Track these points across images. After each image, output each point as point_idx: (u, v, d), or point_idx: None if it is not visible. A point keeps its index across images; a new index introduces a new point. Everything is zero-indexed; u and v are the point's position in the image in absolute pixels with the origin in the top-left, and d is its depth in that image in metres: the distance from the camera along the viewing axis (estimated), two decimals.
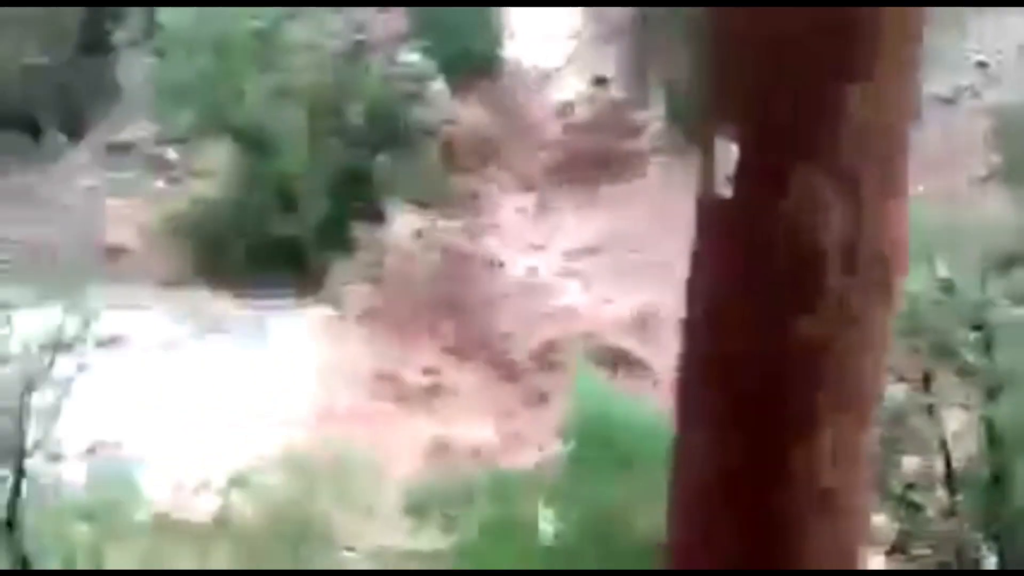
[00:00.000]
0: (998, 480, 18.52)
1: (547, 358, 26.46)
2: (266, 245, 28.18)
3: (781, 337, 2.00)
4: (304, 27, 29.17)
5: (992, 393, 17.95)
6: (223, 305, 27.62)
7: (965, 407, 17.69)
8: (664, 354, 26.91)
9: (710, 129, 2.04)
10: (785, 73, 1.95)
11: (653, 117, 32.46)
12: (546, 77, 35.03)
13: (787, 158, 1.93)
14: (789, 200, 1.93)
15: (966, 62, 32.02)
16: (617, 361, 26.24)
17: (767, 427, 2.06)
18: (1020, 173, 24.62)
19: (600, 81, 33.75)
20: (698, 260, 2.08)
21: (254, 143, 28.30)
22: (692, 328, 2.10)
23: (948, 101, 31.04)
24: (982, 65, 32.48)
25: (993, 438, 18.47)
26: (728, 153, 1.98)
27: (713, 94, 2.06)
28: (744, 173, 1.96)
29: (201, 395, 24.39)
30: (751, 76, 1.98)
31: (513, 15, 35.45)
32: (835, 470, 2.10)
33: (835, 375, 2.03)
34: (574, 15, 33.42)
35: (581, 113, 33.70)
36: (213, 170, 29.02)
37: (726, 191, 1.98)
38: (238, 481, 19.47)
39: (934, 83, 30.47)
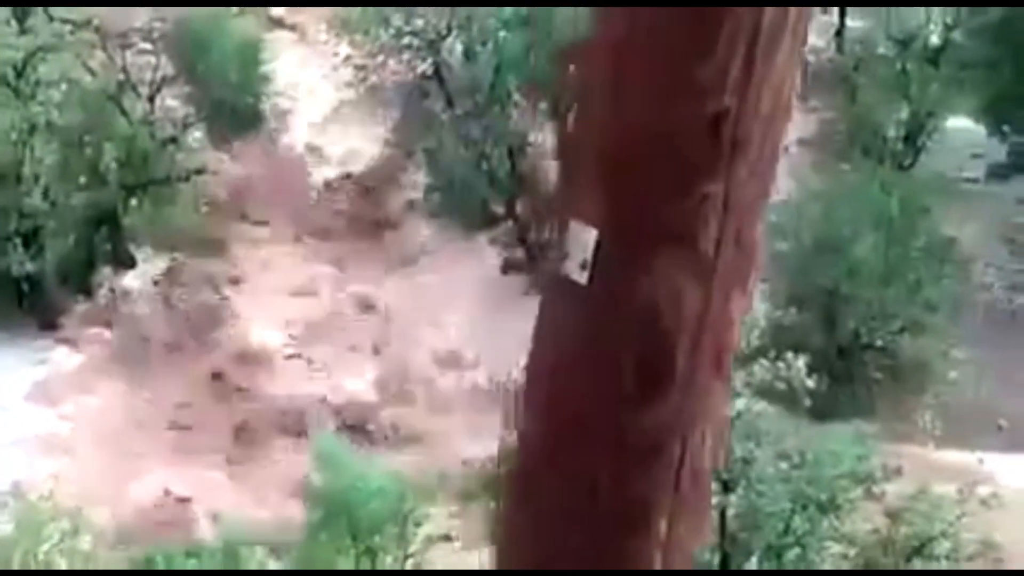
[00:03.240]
0: (725, 564, 18.96)
1: (281, 422, 26.34)
2: (5, 281, 27.25)
3: (628, 421, 1.94)
4: (63, 62, 28.44)
5: (727, 485, 18.37)
6: None
7: None
8: (406, 418, 27.29)
9: (565, 213, 1.95)
10: (646, 164, 1.90)
11: (415, 181, 32.53)
12: (313, 131, 34.82)
13: (647, 243, 1.87)
14: (647, 285, 1.87)
15: None
16: (354, 426, 26.34)
17: (604, 515, 1.99)
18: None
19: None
20: (541, 341, 2.00)
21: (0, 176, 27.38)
22: (531, 411, 2.01)
23: None
24: None
25: (724, 529, 18.90)
26: (585, 238, 1.90)
27: (569, 179, 1.99)
28: (601, 258, 1.88)
29: None
30: (610, 164, 1.92)
31: (284, 67, 35.22)
32: (671, 555, 2.04)
33: (676, 454, 1.99)
34: (347, 72, 33.27)
35: (342, 170, 33.58)
36: None
37: (581, 277, 1.90)
38: None
39: None
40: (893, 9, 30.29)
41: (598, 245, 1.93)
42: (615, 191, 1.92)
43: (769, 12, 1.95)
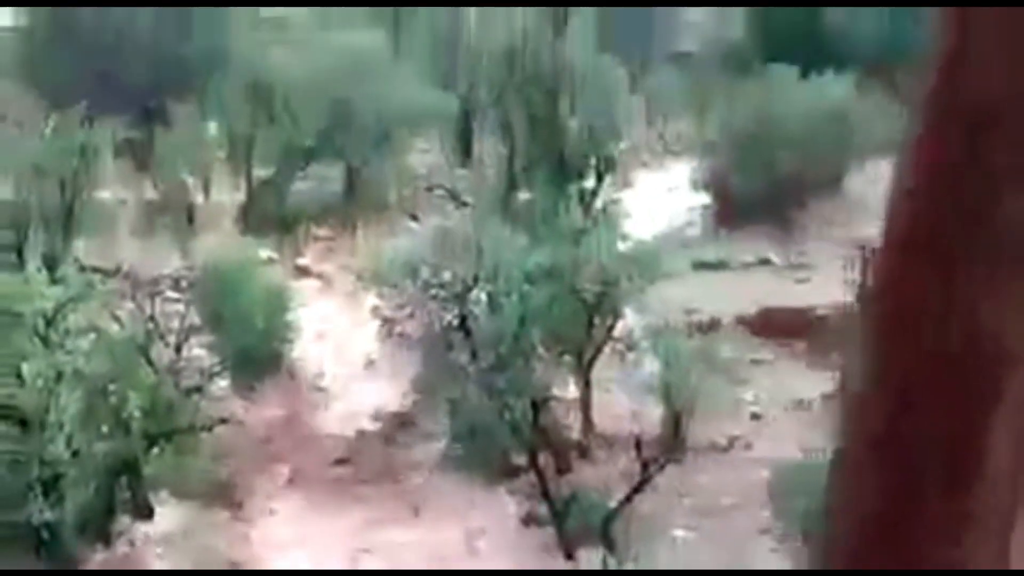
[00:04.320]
0: None
1: None
2: (24, 530, 27.04)
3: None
4: (92, 311, 28.75)
5: None
6: None
7: None
8: None
9: None
10: None
11: (438, 430, 32.50)
12: (338, 381, 34.99)
13: None
14: None
15: (741, 413, 32.97)
16: None
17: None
18: (793, 528, 25.06)
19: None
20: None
21: (23, 423, 27.39)
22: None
23: (723, 450, 31.82)
24: (756, 417, 33.45)
25: None
26: None
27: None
28: None
29: None
30: None
31: (309, 316, 35.58)
32: None
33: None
34: (373, 322, 33.48)
35: (365, 423, 33.62)
36: None
37: None
38: None
39: (709, 433, 31.28)
40: None
41: None
42: None
43: None
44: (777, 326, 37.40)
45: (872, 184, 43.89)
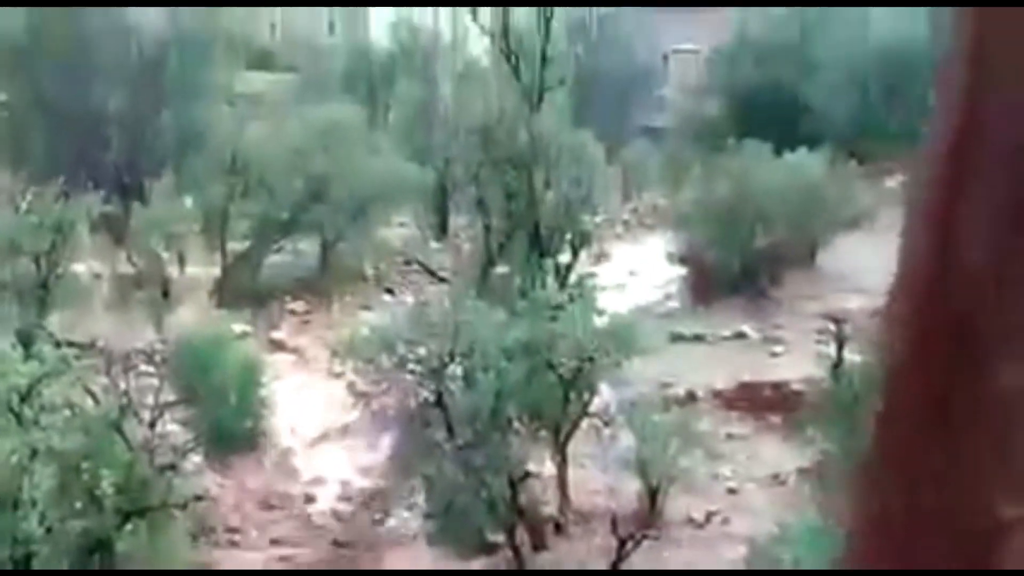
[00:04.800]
0: None
1: None
2: None
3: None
4: (66, 387, 28.59)
5: None
6: None
7: None
8: None
9: None
10: None
11: (413, 507, 32.36)
12: (313, 455, 34.84)
13: None
14: None
15: (717, 488, 32.91)
16: None
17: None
18: None
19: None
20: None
21: None
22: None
23: (699, 525, 31.72)
24: (733, 492, 33.39)
25: None
26: None
27: None
28: None
29: None
30: None
31: (284, 390, 35.46)
32: None
33: None
34: (348, 397, 33.35)
35: (340, 498, 33.44)
36: None
37: None
38: None
39: (685, 509, 31.22)
40: None
41: None
42: None
43: None
44: (753, 400, 37.44)
45: (844, 258, 44.16)
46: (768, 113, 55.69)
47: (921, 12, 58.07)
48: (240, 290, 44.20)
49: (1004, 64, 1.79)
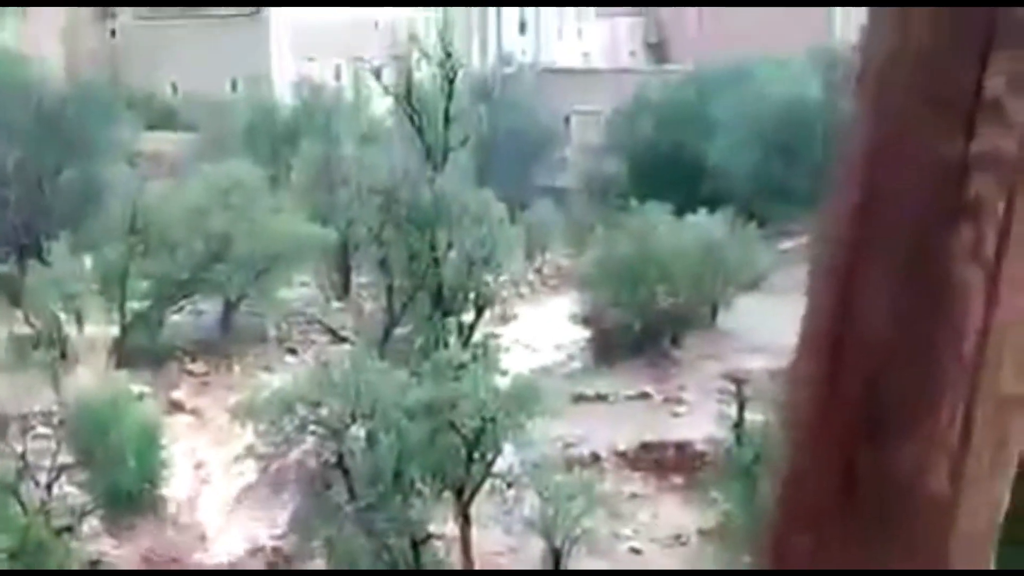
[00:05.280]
0: None
1: None
2: None
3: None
4: None
5: None
6: None
7: None
8: None
9: None
10: None
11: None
12: (212, 518, 34.38)
13: None
14: None
15: (620, 548, 32.89)
16: None
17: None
18: None
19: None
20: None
21: None
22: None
23: None
24: (636, 552, 33.39)
25: None
26: None
27: None
28: None
29: None
30: None
31: (182, 453, 34.99)
32: None
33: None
34: (248, 459, 32.92)
35: (240, 561, 33.00)
36: None
37: None
38: None
39: (590, 567, 31.15)
40: None
41: None
42: None
43: None
44: (655, 460, 37.54)
45: (744, 319, 44.51)
46: (669, 173, 56.19)
47: (817, 72, 59.07)
48: (139, 351, 43.64)
49: (906, 123, 1.80)
